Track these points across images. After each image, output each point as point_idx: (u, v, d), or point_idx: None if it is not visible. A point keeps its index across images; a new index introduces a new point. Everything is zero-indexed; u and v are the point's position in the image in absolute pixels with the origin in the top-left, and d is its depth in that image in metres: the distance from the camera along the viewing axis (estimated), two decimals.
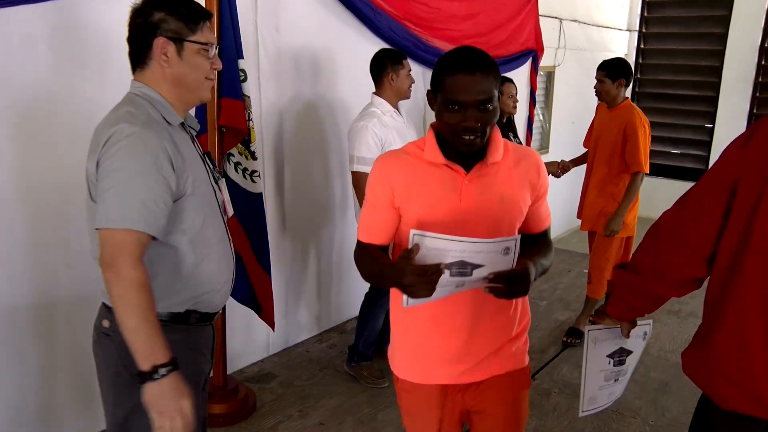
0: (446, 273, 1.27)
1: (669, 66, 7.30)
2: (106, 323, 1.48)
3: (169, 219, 1.40)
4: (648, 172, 3.43)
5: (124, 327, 1.31)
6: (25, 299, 2.35)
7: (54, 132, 2.33)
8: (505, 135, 3.60)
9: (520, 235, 1.36)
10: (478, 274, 1.31)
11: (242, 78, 2.58)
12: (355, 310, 3.92)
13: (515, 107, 3.64)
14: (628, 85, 3.53)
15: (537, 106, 6.08)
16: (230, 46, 2.51)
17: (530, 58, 5.03)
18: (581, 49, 6.58)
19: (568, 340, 3.67)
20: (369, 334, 3.18)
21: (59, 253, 2.40)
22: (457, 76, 1.35)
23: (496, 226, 1.48)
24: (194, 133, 1.62)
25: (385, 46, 3.60)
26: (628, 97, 3.56)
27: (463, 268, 1.29)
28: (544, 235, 1.66)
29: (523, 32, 4.74)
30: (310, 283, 3.64)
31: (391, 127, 2.93)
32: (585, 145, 3.90)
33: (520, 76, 5.06)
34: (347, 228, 3.71)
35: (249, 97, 2.64)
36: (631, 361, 1.66)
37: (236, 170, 2.71)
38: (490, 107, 1.37)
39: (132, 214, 1.32)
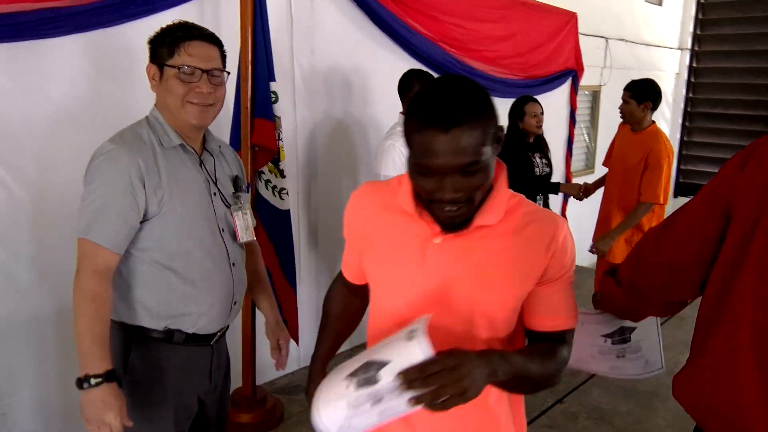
0: (351, 386, 0.95)
1: (723, 85, 7.10)
2: None
3: (142, 236, 1.49)
4: (666, 203, 3.30)
5: (73, 332, 1.39)
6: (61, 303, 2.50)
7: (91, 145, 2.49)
8: (528, 155, 3.61)
9: (429, 315, 1.02)
10: (387, 378, 0.92)
11: (273, 99, 2.69)
12: None
13: (540, 126, 3.62)
14: (655, 109, 3.40)
15: (581, 125, 6.03)
16: (263, 68, 2.62)
17: (570, 78, 4.99)
18: (629, 69, 6.48)
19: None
20: None
21: None
22: (426, 135, 0.99)
23: (467, 311, 1.12)
24: (193, 151, 1.61)
25: (421, 66, 3.67)
26: (654, 121, 3.44)
27: (368, 371, 0.94)
28: (551, 338, 1.19)
29: (563, 52, 4.73)
30: None
31: None
32: (605, 164, 3.80)
33: (559, 96, 5.04)
34: None
35: (279, 117, 2.74)
36: (639, 336, 1.53)
37: (266, 187, 2.81)
38: (477, 169, 1.02)
39: (92, 226, 1.42)
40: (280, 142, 2.77)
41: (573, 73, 4.95)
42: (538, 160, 3.65)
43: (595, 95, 6.20)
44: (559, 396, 3.23)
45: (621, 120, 3.58)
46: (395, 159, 2.87)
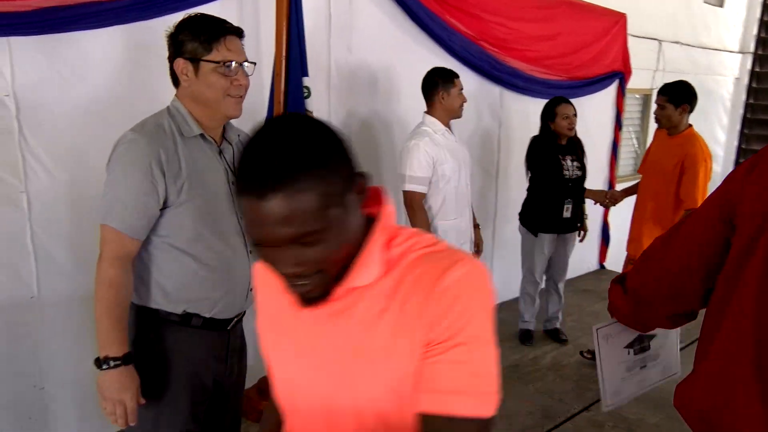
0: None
1: None
2: None
3: (162, 223, 1.54)
4: None
5: (95, 315, 1.48)
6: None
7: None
8: (558, 158, 3.55)
9: None
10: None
11: (306, 94, 2.74)
12: None
13: (571, 129, 3.55)
14: (692, 111, 3.27)
15: (630, 129, 5.87)
16: (296, 64, 2.68)
17: (617, 81, 4.86)
18: (683, 72, 6.26)
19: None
20: None
21: None
22: (243, 202, 0.77)
23: (325, 405, 0.91)
24: (213, 141, 1.65)
25: (459, 65, 3.66)
26: (691, 125, 3.31)
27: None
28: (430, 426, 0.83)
29: (610, 54, 4.61)
30: None
31: (442, 146, 2.91)
32: (640, 171, 3.65)
33: (604, 98, 4.93)
34: None
35: (311, 112, 2.79)
36: (658, 343, 1.53)
37: None
38: (318, 239, 0.78)
39: (112, 213, 1.48)
40: None
41: (620, 75, 4.82)
42: (569, 162, 3.59)
43: (646, 99, 6.03)
44: (586, 404, 3.17)
45: (657, 126, 3.47)
46: (420, 159, 2.84)
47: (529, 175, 3.72)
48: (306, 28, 2.75)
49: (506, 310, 4.47)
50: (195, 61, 1.54)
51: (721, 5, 6.64)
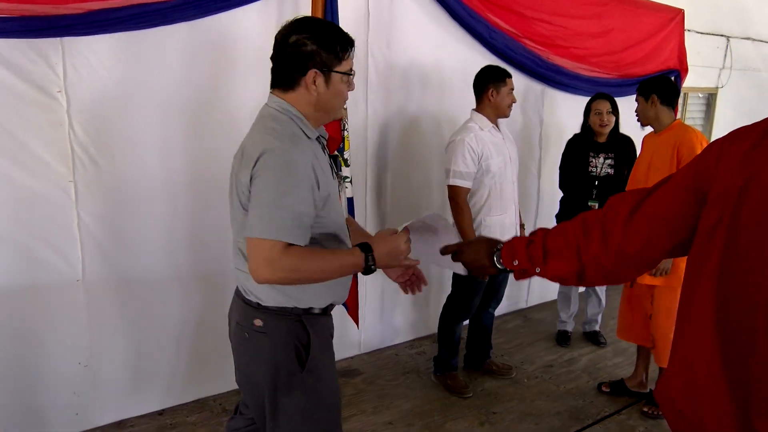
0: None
1: None
2: (258, 322, 1.62)
3: (313, 226, 1.56)
4: None
5: (328, 278, 1.56)
6: (194, 269, 2.87)
7: (209, 132, 2.79)
8: (587, 154, 3.54)
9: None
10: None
11: None
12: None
13: (603, 125, 3.49)
14: (672, 104, 2.97)
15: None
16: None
17: (672, 79, 4.68)
18: (754, 70, 5.97)
19: (651, 411, 3.04)
20: (449, 342, 3.24)
21: (211, 232, 2.85)
22: None
23: None
24: (324, 142, 1.70)
25: (500, 62, 3.64)
26: (678, 119, 3.05)
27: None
28: None
29: (664, 51, 4.45)
30: None
31: (488, 142, 2.96)
32: (631, 186, 3.16)
33: None
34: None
35: (346, 108, 2.86)
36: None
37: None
38: None
39: (284, 226, 1.45)
40: (345, 132, 2.89)
41: (675, 73, 4.64)
42: (600, 160, 3.52)
43: (710, 98, 5.78)
44: (619, 407, 3.10)
45: (647, 129, 3.13)
46: (465, 154, 2.91)
47: (559, 172, 3.72)
48: (344, 26, 2.81)
49: (546, 311, 4.42)
50: (327, 71, 1.55)
51: None
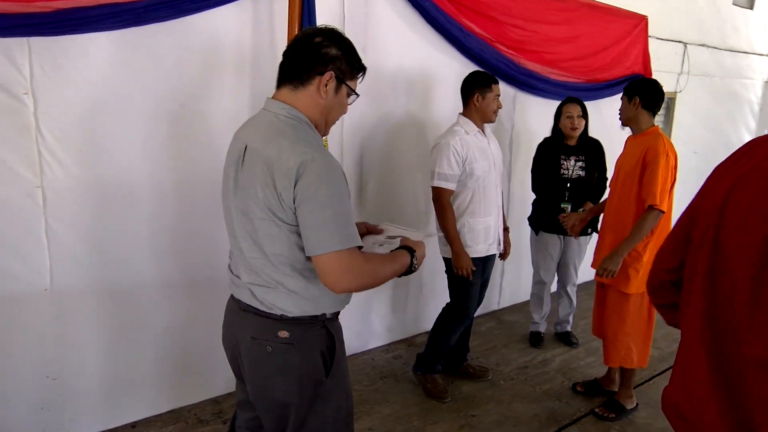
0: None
1: None
2: (284, 333, 1.58)
3: None
4: (664, 210, 2.76)
5: (388, 279, 1.62)
6: (172, 277, 2.80)
7: (183, 135, 2.72)
8: (558, 157, 3.58)
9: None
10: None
11: None
12: (427, 325, 3.99)
13: (573, 129, 3.56)
14: (652, 110, 2.93)
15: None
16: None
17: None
18: (710, 76, 6.17)
19: (602, 413, 3.08)
20: (440, 347, 3.23)
21: (194, 238, 2.82)
22: None
23: None
24: None
25: (475, 67, 3.66)
26: (657, 125, 2.99)
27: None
28: None
29: (630, 56, 4.57)
30: (384, 294, 3.76)
31: (473, 146, 2.97)
32: (611, 184, 3.21)
33: None
34: (427, 243, 3.78)
35: None
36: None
37: None
38: None
39: (352, 233, 1.48)
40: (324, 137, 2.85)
41: (639, 78, 4.76)
42: (572, 163, 3.59)
43: (670, 102, 5.94)
44: (593, 405, 3.15)
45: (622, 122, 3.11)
46: (449, 157, 2.93)
47: (531, 175, 3.78)
48: None
49: (518, 312, 4.47)
50: (341, 80, 1.59)
51: (751, 7, 6.51)
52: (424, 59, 3.55)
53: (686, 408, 1.16)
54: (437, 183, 2.96)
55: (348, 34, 3.10)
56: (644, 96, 2.92)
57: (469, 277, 3.00)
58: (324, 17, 2.94)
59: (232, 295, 1.73)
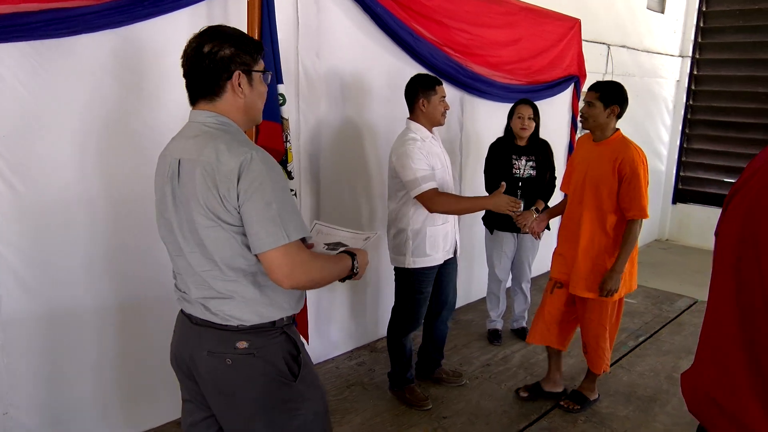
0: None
1: (724, 93, 7.13)
2: (243, 344, 1.54)
3: None
4: (648, 217, 2.82)
5: (333, 280, 1.61)
6: (108, 300, 2.62)
7: (135, 148, 2.57)
8: (509, 157, 3.66)
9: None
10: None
11: (281, 102, 2.71)
12: (385, 330, 3.98)
13: (523, 129, 3.64)
14: (620, 116, 2.89)
15: (583, 132, 6.05)
16: (270, 71, 2.64)
17: (572, 84, 5.01)
18: (630, 75, 6.51)
19: (567, 405, 3.17)
20: (400, 357, 3.19)
21: (135, 258, 2.67)
22: None
23: None
24: None
25: (425, 70, 3.68)
26: (619, 129, 2.93)
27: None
28: None
29: (566, 58, 4.75)
30: (341, 300, 3.71)
31: (431, 153, 2.89)
32: (564, 189, 3.21)
33: (562, 101, 5.07)
34: (381, 248, 3.78)
35: (287, 119, 2.76)
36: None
37: None
38: None
39: (297, 225, 1.48)
40: (288, 144, 2.79)
41: (575, 79, 4.97)
42: (523, 162, 3.68)
43: None
44: (559, 400, 3.25)
45: (582, 127, 3.04)
46: (420, 159, 2.80)
47: (484, 175, 3.83)
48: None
49: (473, 311, 4.55)
50: (248, 72, 1.57)
51: (662, 11, 6.93)
52: (378, 63, 3.54)
53: (719, 394, 1.19)
54: (419, 189, 2.77)
55: (301, 39, 3.13)
56: (622, 105, 2.84)
57: (517, 210, 2.84)
58: (278, 23, 2.86)
59: (181, 311, 1.68)
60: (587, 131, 3.05)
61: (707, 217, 7.38)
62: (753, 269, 1.12)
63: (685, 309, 4.82)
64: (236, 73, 1.53)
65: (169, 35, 2.58)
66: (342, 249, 1.73)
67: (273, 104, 2.67)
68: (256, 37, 2.61)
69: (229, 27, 1.60)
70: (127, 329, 2.71)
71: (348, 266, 1.66)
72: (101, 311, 2.60)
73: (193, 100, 1.59)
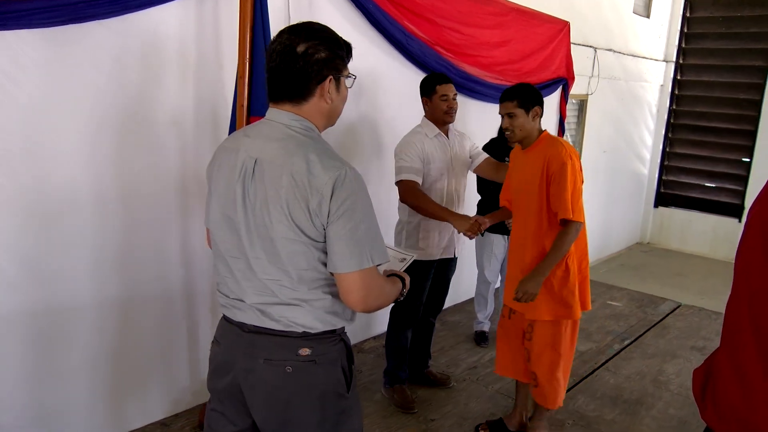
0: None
1: (706, 98, 7.21)
2: (305, 351, 1.48)
3: None
4: (582, 221, 2.53)
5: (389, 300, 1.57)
6: (94, 300, 2.55)
7: (123, 139, 2.52)
8: (503, 158, 3.62)
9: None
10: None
11: None
12: (374, 330, 3.96)
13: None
14: (542, 115, 2.65)
15: (569, 134, 6.07)
16: (262, 67, 2.59)
17: (561, 86, 5.02)
18: (616, 79, 6.56)
19: None
20: (396, 352, 3.18)
21: (121, 258, 2.61)
22: None
23: None
24: None
25: (417, 69, 3.67)
26: (545, 129, 2.68)
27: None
28: None
29: (555, 60, 4.75)
30: None
31: (431, 148, 2.96)
32: (504, 203, 2.94)
33: (550, 103, 5.07)
34: None
35: None
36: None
37: None
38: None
39: (382, 249, 1.46)
40: None
41: (564, 81, 4.98)
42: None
43: (582, 104, 6.25)
44: None
45: (510, 142, 2.81)
46: (410, 152, 2.90)
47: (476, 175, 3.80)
48: None
49: (459, 312, 4.53)
50: (338, 77, 1.52)
51: (648, 16, 6.98)
52: (370, 60, 3.50)
53: (748, 413, 1.17)
54: (400, 176, 2.89)
55: None
56: (541, 104, 2.63)
57: (480, 233, 2.91)
58: (270, 19, 2.81)
59: (226, 320, 1.59)
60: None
61: (688, 220, 7.47)
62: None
63: (669, 312, 4.86)
64: (328, 78, 1.47)
65: (164, 27, 2.55)
66: (389, 272, 1.67)
67: (263, 99, 2.61)
68: (247, 31, 2.56)
69: (321, 24, 1.51)
70: (113, 328, 2.64)
71: (399, 290, 1.62)
72: (86, 310, 2.53)
73: (276, 98, 1.50)
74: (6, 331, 2.32)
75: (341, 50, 1.49)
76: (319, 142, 1.47)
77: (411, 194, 2.87)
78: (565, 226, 2.53)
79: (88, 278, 2.50)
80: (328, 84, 1.47)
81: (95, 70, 2.39)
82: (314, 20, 3.09)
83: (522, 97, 2.58)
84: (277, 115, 1.49)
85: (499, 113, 2.66)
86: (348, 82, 1.55)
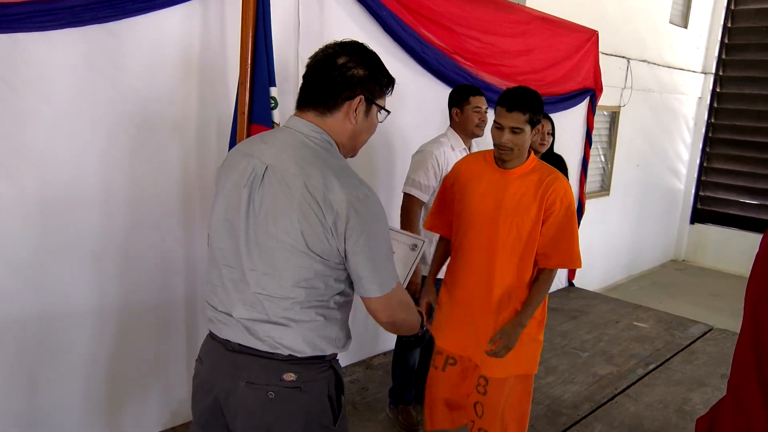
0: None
1: (747, 111, 6.93)
2: (290, 376, 1.39)
3: None
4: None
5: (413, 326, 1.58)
6: (87, 306, 2.50)
7: (124, 142, 2.49)
8: None
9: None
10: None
11: (273, 105, 2.59)
12: (382, 346, 3.85)
13: (542, 144, 3.44)
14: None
15: (599, 146, 5.88)
16: (263, 73, 2.53)
17: (588, 98, 4.85)
18: (650, 90, 6.34)
19: None
20: (402, 372, 3.06)
21: (115, 263, 2.56)
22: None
23: None
24: None
25: (433, 78, 3.58)
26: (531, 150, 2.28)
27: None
28: None
29: (582, 71, 4.59)
30: None
31: (453, 162, 2.75)
32: (436, 228, 2.48)
33: (576, 115, 4.91)
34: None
35: (279, 123, 2.64)
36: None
37: None
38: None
39: (395, 270, 1.45)
40: None
41: (591, 92, 4.81)
42: None
43: (614, 116, 6.06)
44: (559, 429, 3.07)
45: (505, 162, 2.20)
46: (428, 168, 2.78)
47: None
48: (274, 36, 2.61)
49: None
50: (370, 102, 1.47)
51: (685, 26, 6.75)
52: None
53: None
54: (409, 189, 2.80)
55: (302, 42, 3.01)
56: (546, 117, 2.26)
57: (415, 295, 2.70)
58: (277, 24, 2.76)
59: (212, 337, 1.50)
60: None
61: (726, 238, 7.17)
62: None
63: (699, 336, 4.61)
64: (359, 97, 1.42)
65: (168, 32, 2.51)
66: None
67: (265, 107, 2.55)
68: (249, 38, 2.50)
69: (370, 49, 1.47)
70: (110, 336, 2.60)
71: (418, 320, 1.61)
72: (79, 316, 2.49)
73: (302, 104, 1.46)
74: (1, 337, 2.29)
75: (382, 77, 1.46)
76: (337, 158, 1.42)
77: (405, 213, 2.81)
78: (549, 272, 2.22)
79: (88, 285, 2.46)
80: (357, 103, 1.42)
81: (95, 73, 2.36)
82: (325, 27, 3.09)
83: (535, 110, 2.11)
84: (296, 123, 1.43)
85: (499, 125, 2.15)
86: (381, 115, 1.50)
